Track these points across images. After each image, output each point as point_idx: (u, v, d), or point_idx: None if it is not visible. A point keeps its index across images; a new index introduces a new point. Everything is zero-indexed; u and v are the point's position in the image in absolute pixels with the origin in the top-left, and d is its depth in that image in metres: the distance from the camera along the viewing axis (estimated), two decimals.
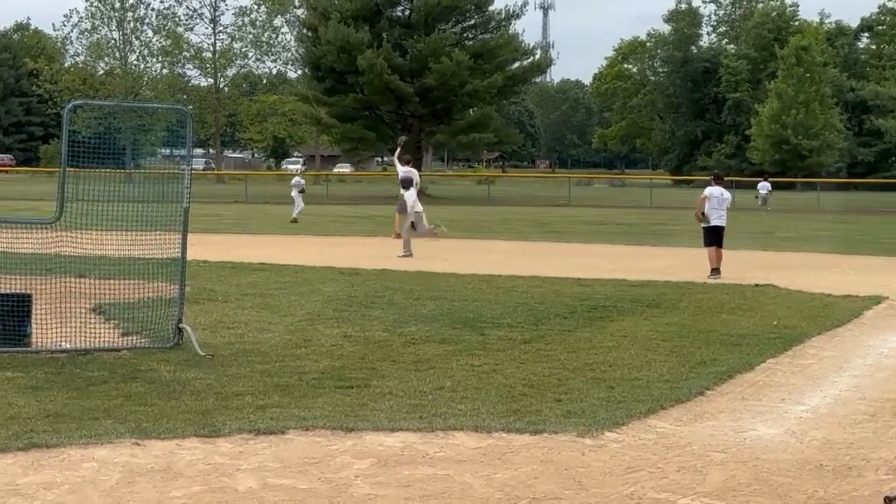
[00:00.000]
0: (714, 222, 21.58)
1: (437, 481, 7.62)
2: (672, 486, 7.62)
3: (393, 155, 36.16)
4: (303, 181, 42.45)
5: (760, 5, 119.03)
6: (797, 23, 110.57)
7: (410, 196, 26.85)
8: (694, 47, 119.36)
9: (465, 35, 73.08)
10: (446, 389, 10.50)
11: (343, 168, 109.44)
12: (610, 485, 7.62)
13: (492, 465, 8.04)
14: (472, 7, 72.24)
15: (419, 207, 26.74)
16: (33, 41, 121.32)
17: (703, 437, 9.00)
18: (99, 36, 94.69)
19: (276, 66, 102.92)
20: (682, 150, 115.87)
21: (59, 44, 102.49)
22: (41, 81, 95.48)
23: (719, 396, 10.59)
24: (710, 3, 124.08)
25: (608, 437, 8.90)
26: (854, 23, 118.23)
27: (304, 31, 76.65)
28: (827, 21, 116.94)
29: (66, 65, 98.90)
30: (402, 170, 33.39)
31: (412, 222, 26.55)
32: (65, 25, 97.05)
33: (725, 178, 25.36)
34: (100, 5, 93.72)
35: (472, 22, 73.88)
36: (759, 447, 8.71)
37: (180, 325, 12.68)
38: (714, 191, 21.89)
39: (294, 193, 41.48)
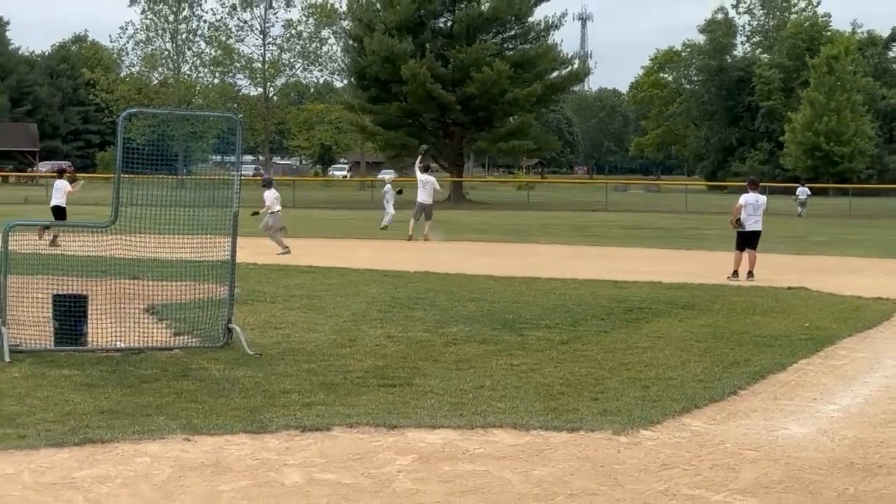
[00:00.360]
0: (750, 228, 21.62)
1: (476, 477, 7.62)
2: (706, 482, 7.58)
3: (415, 163, 36.50)
4: (395, 190, 40.64)
5: (794, 16, 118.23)
6: (829, 33, 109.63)
7: (269, 196, 27.45)
8: (728, 57, 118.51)
9: (505, 45, 72.88)
10: (486, 388, 10.50)
11: (387, 174, 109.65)
12: (645, 481, 7.58)
13: (530, 462, 8.02)
14: (513, 18, 72.03)
15: (277, 207, 27.49)
16: (90, 52, 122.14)
17: (736, 435, 8.95)
18: (153, 47, 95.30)
19: (322, 76, 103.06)
20: (717, 157, 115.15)
21: (115, 55, 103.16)
22: (98, 91, 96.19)
23: (752, 396, 10.54)
24: (744, 13, 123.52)
25: (643, 435, 8.87)
26: (885, 32, 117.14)
27: (350, 41, 76.72)
28: (859, 31, 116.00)
29: (121, 75, 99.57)
30: (422, 178, 34.03)
31: (270, 219, 27.43)
32: (121, 37, 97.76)
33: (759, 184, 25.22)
34: (154, 18, 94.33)
35: (513, 33, 73.69)
36: (790, 445, 8.66)
37: (230, 325, 12.75)
38: (749, 198, 21.87)
39: (389, 199, 39.38)
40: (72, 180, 29.32)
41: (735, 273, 21.28)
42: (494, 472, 7.73)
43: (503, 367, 11.66)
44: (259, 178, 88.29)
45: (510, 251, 29.40)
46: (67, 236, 13.89)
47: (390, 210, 38.28)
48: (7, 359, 11.38)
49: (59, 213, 28.09)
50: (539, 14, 74.61)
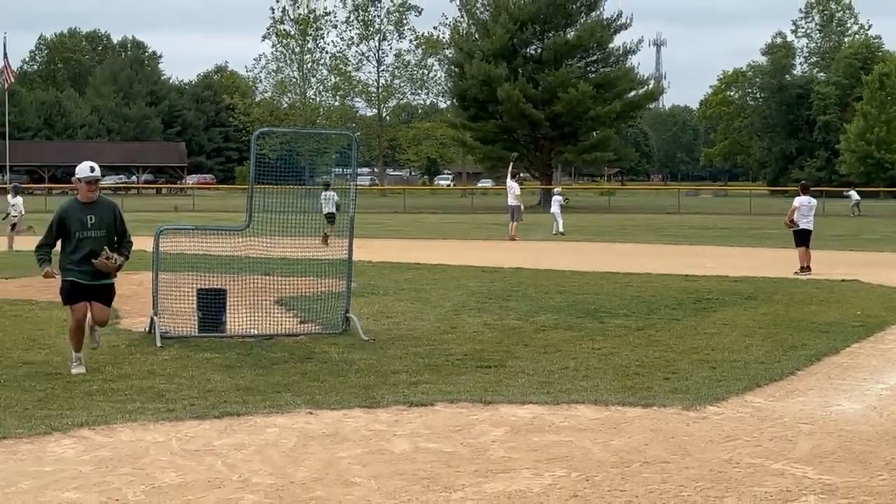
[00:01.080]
0: (803, 226, 21.28)
1: (561, 446, 7.58)
2: (766, 452, 7.46)
3: (507, 170, 36.46)
4: (561, 198, 39.17)
5: (848, 38, 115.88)
6: (881, 53, 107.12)
7: (18, 203, 27.33)
8: (788, 76, 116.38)
9: (588, 69, 72.42)
10: (570, 369, 10.44)
11: (485, 183, 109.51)
12: (711, 451, 7.48)
13: (608, 434, 7.96)
14: (595, 45, 71.61)
15: (22, 210, 27.42)
16: (230, 81, 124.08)
17: (793, 411, 8.78)
18: (283, 75, 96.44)
19: (429, 98, 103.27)
20: (778, 165, 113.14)
21: (250, 82, 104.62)
22: (236, 114, 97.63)
23: (808, 376, 10.34)
24: (802, 37, 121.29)
25: (710, 410, 8.75)
26: None
27: (453, 68, 76.98)
28: None
29: (256, 99, 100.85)
30: (509, 183, 34.52)
31: (14, 224, 27.09)
32: (255, 67, 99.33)
33: (815, 189, 24.79)
34: (283, 50, 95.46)
35: (595, 57, 73.22)
36: (843, 420, 8.48)
37: (347, 315, 12.84)
38: (802, 200, 21.59)
39: (555, 209, 38.00)
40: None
41: (803, 268, 20.83)
42: (577, 443, 7.68)
43: (586, 350, 11.59)
44: (374, 187, 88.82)
45: (593, 249, 29.21)
46: (209, 239, 14.07)
47: (559, 219, 37.26)
48: (159, 344, 11.60)
49: (331, 217, 28.69)
50: (618, 41, 73.64)
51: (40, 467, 6.97)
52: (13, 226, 27.38)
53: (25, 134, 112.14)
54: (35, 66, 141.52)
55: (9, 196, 28.27)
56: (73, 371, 10.04)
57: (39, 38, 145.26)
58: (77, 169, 10.21)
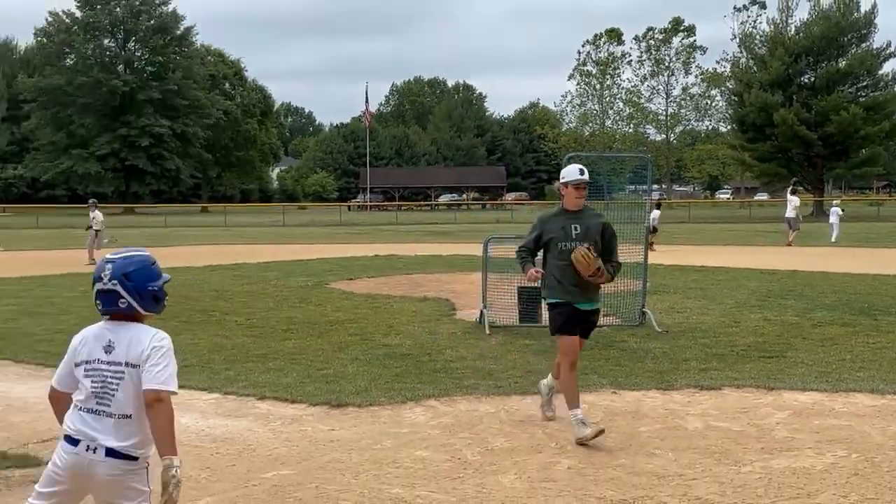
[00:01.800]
0: None
1: (841, 430, 7.10)
2: None
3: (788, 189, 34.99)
4: (839, 209, 35.38)
5: None
6: None
7: (97, 216, 25.51)
8: None
9: (858, 94, 67.87)
10: (847, 361, 9.78)
11: (761, 196, 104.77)
12: None
13: (886, 420, 7.38)
14: (865, 72, 67.08)
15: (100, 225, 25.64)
16: (541, 114, 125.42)
17: None
18: (585, 109, 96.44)
19: (711, 124, 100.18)
20: None
21: (558, 115, 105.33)
22: (546, 142, 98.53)
23: None
24: None
25: None
26: None
27: (733, 97, 74.37)
28: None
29: (563, 129, 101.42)
30: (788, 197, 33.13)
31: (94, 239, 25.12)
32: (562, 102, 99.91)
33: None
34: (586, 87, 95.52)
35: (865, 83, 68.44)
36: None
37: (643, 310, 12.63)
38: None
39: (833, 220, 34.79)
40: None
41: None
42: (856, 427, 7.17)
43: (861, 344, 10.81)
44: (662, 200, 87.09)
45: (863, 254, 27.25)
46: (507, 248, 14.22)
47: (836, 229, 35.08)
48: (487, 332, 11.86)
49: (654, 230, 28.91)
50: (887, 67, 68.92)
51: (398, 429, 7.28)
52: (95, 238, 25.81)
53: (381, 162, 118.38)
54: (388, 108, 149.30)
55: (90, 212, 26.44)
56: (578, 433, 6.79)
57: (391, 85, 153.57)
58: (563, 172, 7.56)
